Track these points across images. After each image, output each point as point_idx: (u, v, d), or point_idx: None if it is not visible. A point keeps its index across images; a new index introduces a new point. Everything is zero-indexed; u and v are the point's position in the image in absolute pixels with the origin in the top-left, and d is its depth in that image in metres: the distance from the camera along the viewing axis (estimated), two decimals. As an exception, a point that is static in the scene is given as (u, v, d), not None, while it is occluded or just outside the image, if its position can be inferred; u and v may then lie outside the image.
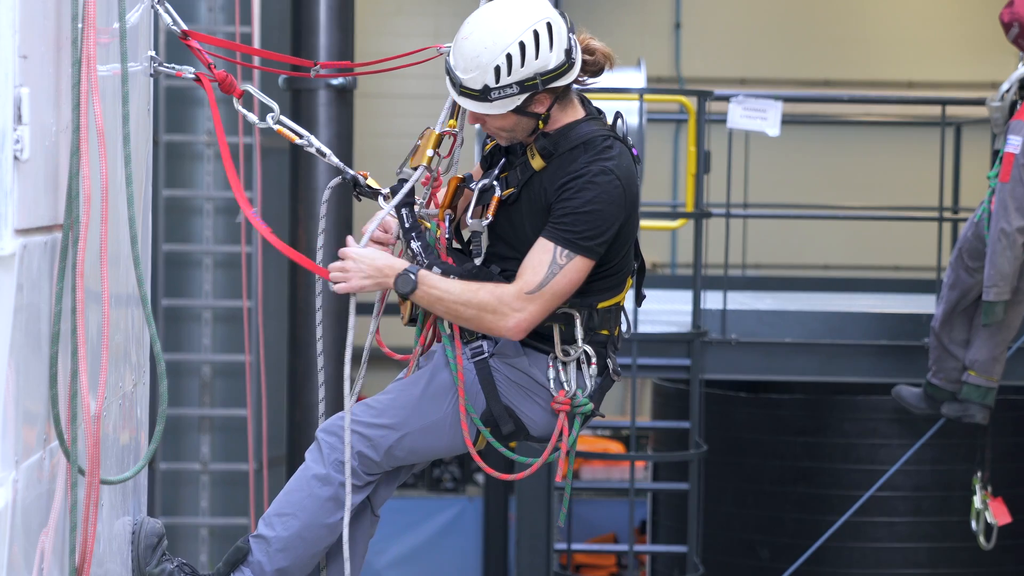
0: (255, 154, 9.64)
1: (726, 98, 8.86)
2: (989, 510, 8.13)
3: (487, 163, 4.08)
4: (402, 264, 3.91)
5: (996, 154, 7.38)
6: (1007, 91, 7.37)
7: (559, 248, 3.82)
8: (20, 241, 2.92)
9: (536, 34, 3.78)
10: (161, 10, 3.94)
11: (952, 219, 9.71)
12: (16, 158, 2.88)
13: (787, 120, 8.97)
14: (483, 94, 3.80)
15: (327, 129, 8.60)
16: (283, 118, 4.10)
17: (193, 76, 3.97)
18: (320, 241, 4.18)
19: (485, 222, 3.94)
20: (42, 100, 3.00)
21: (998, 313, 7.29)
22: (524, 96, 3.81)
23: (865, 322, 8.79)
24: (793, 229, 15.35)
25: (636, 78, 10.41)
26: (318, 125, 8.57)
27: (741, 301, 9.49)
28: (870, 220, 14.60)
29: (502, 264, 3.96)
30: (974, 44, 15.57)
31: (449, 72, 3.86)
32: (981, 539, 8.15)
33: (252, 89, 4.09)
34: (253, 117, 4.09)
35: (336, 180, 4.14)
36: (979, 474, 8.18)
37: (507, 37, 3.77)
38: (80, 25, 3.08)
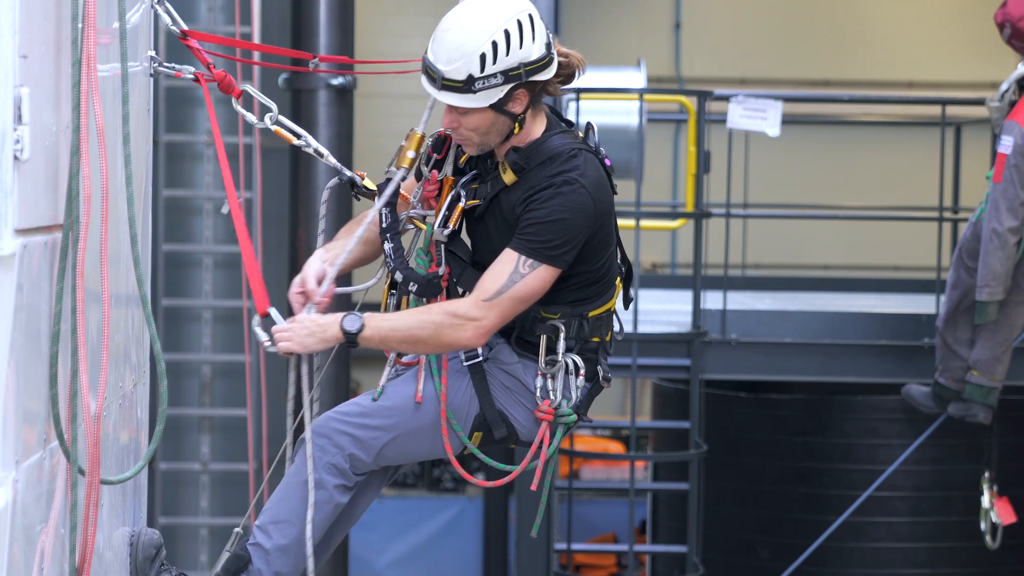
0: (255, 154, 9.64)
1: (726, 98, 8.86)
2: (995, 509, 8.15)
3: (455, 172, 4.05)
4: (341, 313, 3.86)
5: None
6: (1006, 91, 7.39)
7: (523, 257, 3.81)
8: (20, 241, 2.92)
9: (520, 24, 3.78)
10: (161, 10, 3.94)
11: (952, 219, 9.71)
12: (16, 158, 2.88)
13: (787, 120, 8.96)
14: (467, 84, 3.78)
15: (327, 129, 8.60)
16: (281, 118, 4.09)
17: (192, 76, 3.97)
18: (319, 241, 4.18)
19: (447, 231, 3.94)
20: (42, 100, 3.00)
21: (991, 313, 7.32)
22: (508, 88, 3.78)
23: (865, 322, 8.79)
24: (793, 229, 15.35)
25: (636, 78, 10.41)
26: (318, 125, 8.57)
27: (741, 301, 9.49)
28: (870, 220, 14.59)
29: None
30: (974, 44, 15.56)
31: (429, 69, 3.83)
32: (988, 539, 8.17)
33: (251, 89, 4.09)
34: (252, 117, 4.09)
35: (333, 181, 4.13)
36: (986, 474, 8.20)
37: (493, 25, 3.77)
38: (80, 25, 3.08)
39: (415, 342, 3.84)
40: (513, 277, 3.80)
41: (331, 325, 3.84)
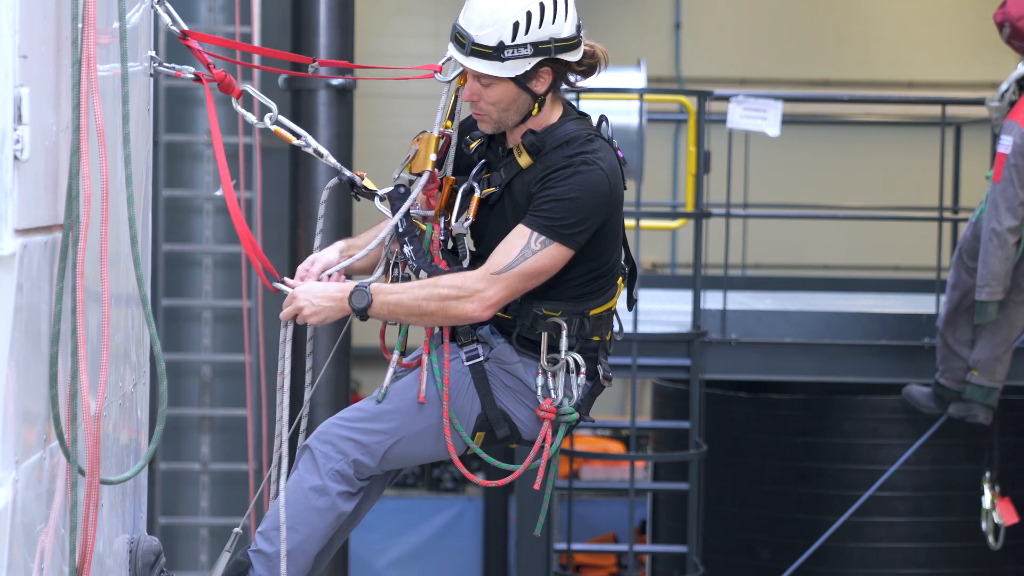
0: (255, 154, 9.64)
1: (726, 98, 8.86)
2: (996, 510, 8.16)
3: (460, 168, 4.05)
4: (350, 284, 3.89)
5: (999, 155, 7.41)
6: (1006, 91, 7.39)
7: (535, 234, 3.82)
8: (20, 241, 2.92)
9: None
10: (161, 10, 3.94)
11: (952, 219, 9.71)
12: (16, 158, 2.88)
13: (787, 120, 8.96)
14: (496, 52, 3.81)
15: (327, 129, 8.60)
16: (281, 118, 4.10)
17: (192, 76, 3.97)
18: (318, 241, 4.18)
19: (467, 223, 3.94)
20: (42, 100, 3.00)
21: (990, 313, 7.33)
22: (536, 61, 3.82)
23: (865, 322, 8.79)
24: (793, 229, 15.35)
25: (636, 78, 10.41)
26: (318, 125, 8.57)
27: (741, 301, 9.49)
28: (870, 220, 14.59)
29: None
30: (974, 44, 15.56)
31: (459, 34, 3.84)
32: (990, 539, 8.17)
33: (251, 89, 4.09)
34: (252, 117, 4.09)
35: (333, 181, 4.13)
36: (987, 474, 8.21)
37: None
38: (80, 25, 3.08)
39: (422, 314, 3.86)
40: (524, 253, 3.81)
41: (342, 300, 3.87)
